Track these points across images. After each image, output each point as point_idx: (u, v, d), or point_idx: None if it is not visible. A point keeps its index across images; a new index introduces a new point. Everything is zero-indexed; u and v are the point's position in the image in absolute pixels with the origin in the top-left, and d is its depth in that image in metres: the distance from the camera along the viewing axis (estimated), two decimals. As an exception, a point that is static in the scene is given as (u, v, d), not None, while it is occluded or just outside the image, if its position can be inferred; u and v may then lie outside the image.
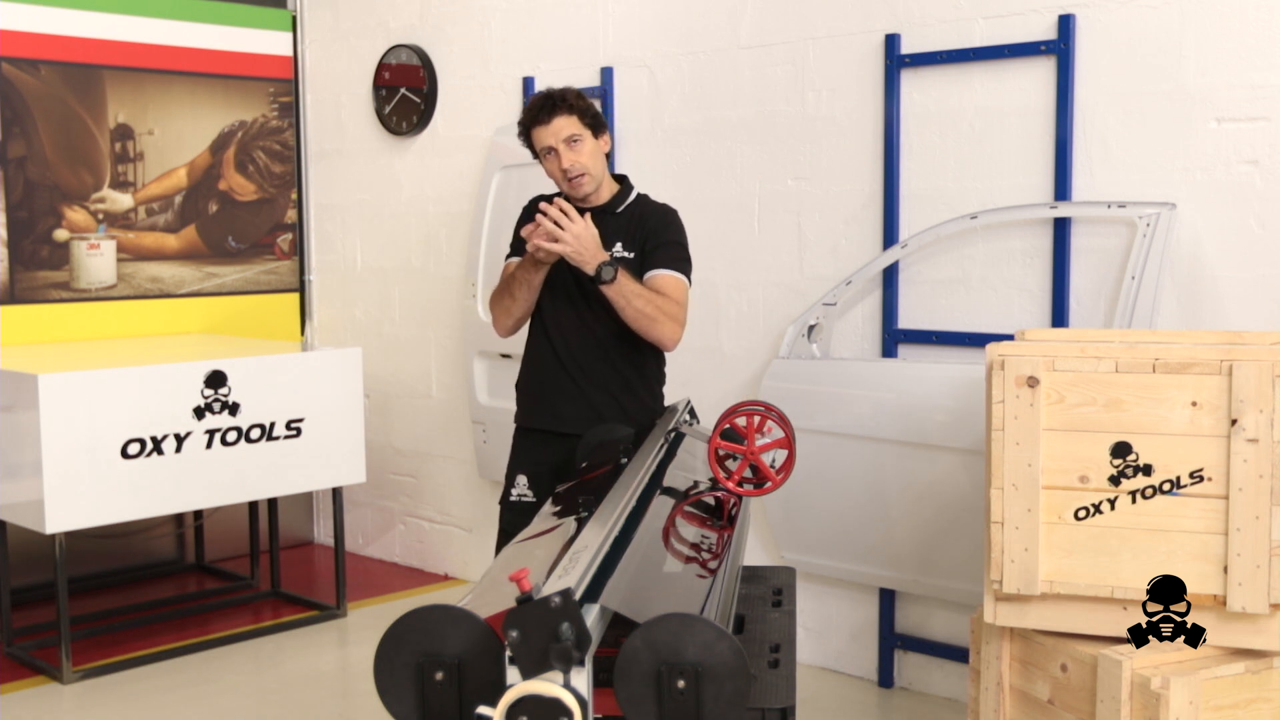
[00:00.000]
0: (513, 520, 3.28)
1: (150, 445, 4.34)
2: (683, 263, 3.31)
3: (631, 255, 3.28)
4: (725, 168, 4.48)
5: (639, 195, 3.39)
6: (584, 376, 3.30)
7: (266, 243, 5.88)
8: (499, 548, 3.37)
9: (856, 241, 4.16)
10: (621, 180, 3.40)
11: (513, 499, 3.37)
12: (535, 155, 3.31)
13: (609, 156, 3.38)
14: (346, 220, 5.96)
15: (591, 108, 3.27)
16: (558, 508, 2.66)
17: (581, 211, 3.27)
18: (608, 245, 3.25)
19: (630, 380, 3.33)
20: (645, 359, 3.37)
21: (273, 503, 5.32)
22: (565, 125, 3.19)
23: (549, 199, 3.28)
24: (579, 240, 3.07)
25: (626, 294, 3.14)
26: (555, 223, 3.06)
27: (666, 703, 1.74)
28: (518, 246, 3.38)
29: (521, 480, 3.35)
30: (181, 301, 5.58)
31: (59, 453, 4.15)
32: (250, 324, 5.77)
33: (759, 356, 4.41)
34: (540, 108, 3.22)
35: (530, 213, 3.39)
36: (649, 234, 3.29)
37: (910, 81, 4.00)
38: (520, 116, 3.31)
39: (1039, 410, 2.77)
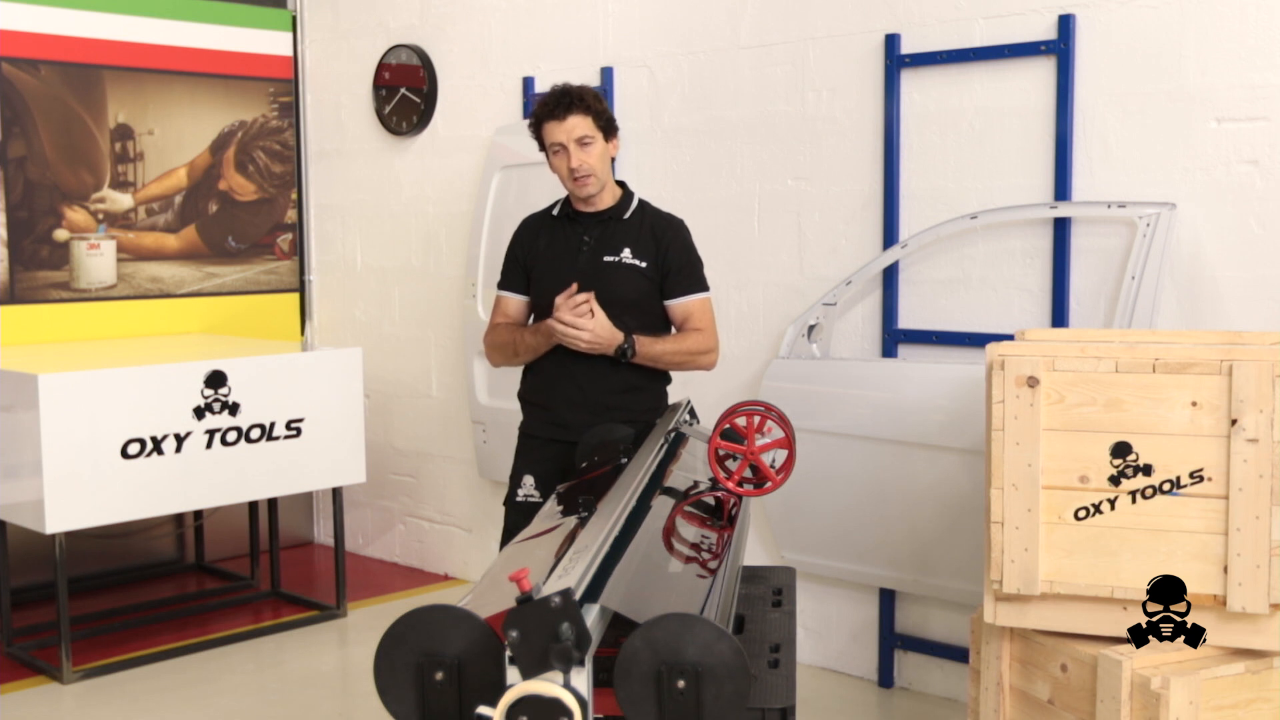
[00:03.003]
0: (518, 521, 3.27)
1: (150, 445, 4.34)
2: (703, 280, 3.40)
3: (644, 264, 3.29)
4: (725, 168, 4.48)
5: (642, 202, 3.41)
6: (590, 383, 3.30)
7: (266, 243, 5.87)
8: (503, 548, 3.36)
9: (856, 241, 4.16)
10: (622, 185, 3.41)
11: (519, 500, 3.36)
12: (542, 148, 3.30)
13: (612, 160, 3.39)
14: (346, 220, 5.96)
15: (606, 110, 3.27)
16: (558, 507, 2.66)
17: (589, 216, 3.31)
18: (616, 250, 3.28)
19: (634, 383, 3.33)
20: None
21: (273, 503, 5.32)
22: (579, 125, 3.19)
23: (549, 216, 3.37)
24: (596, 335, 3.17)
25: (653, 358, 3.28)
26: (573, 325, 3.14)
27: (666, 703, 1.74)
28: (510, 280, 3.41)
29: (529, 481, 3.35)
30: (181, 301, 5.58)
31: (59, 453, 4.15)
32: (250, 324, 5.76)
33: (759, 356, 4.41)
34: (557, 103, 3.20)
35: (521, 238, 3.40)
36: (664, 251, 3.32)
37: (910, 81, 4.00)
38: (534, 108, 3.29)
39: (1039, 410, 2.77)
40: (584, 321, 3.15)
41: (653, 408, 3.38)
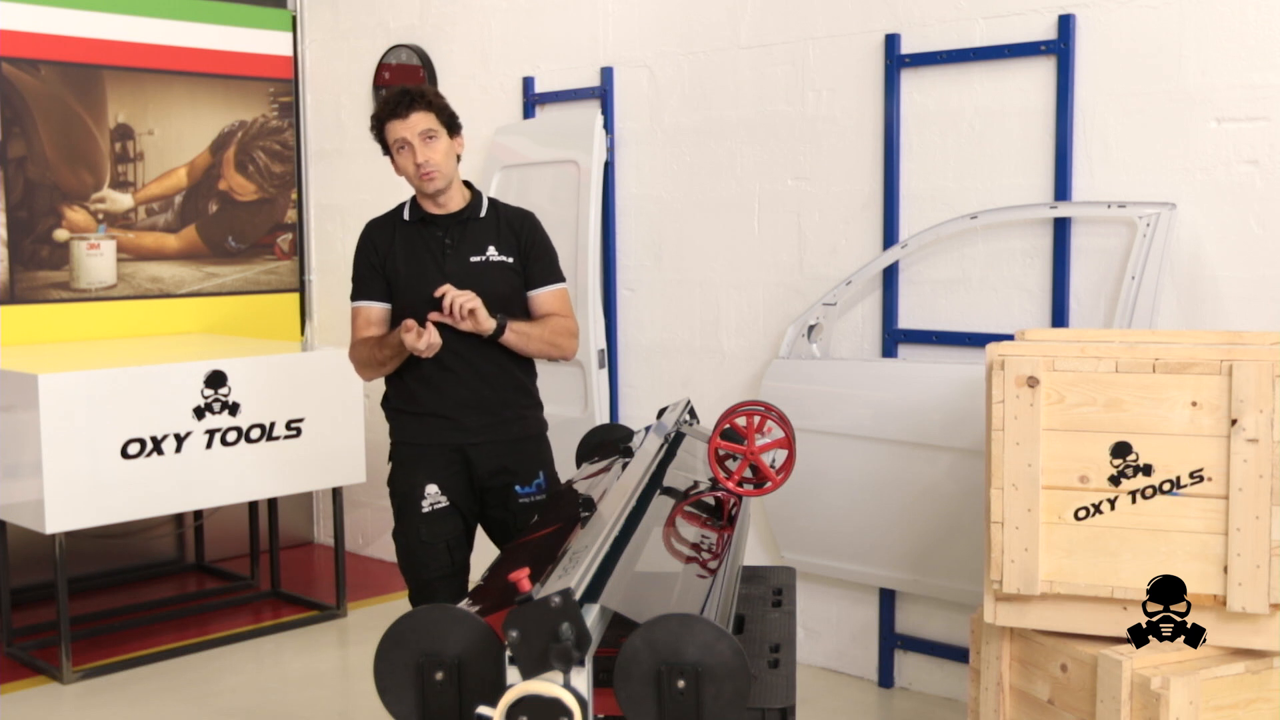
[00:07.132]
0: (433, 529, 3.26)
1: (150, 445, 4.34)
2: (560, 271, 3.42)
3: (510, 260, 3.30)
4: (725, 168, 4.47)
5: (492, 200, 3.41)
6: (484, 385, 3.28)
7: (266, 243, 5.87)
8: (416, 565, 3.30)
9: (856, 241, 4.16)
10: (470, 185, 3.39)
11: (426, 510, 3.27)
12: (386, 151, 3.28)
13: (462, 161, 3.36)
14: (346, 220, 5.96)
15: (448, 107, 3.28)
16: (559, 507, 2.66)
17: (446, 218, 3.29)
18: (480, 250, 3.28)
19: (524, 382, 3.36)
20: (529, 359, 3.39)
21: (273, 503, 5.32)
22: (422, 120, 3.19)
23: (399, 220, 3.30)
24: (476, 317, 3.15)
25: (523, 335, 3.25)
26: (453, 309, 3.12)
27: (666, 703, 1.74)
28: (368, 289, 3.32)
29: (432, 490, 3.28)
30: (181, 301, 5.58)
31: (59, 453, 4.15)
32: (250, 324, 5.76)
33: (759, 356, 4.41)
34: (398, 102, 3.20)
35: (375, 244, 3.32)
36: (524, 244, 3.34)
37: (910, 81, 4.00)
38: (375, 109, 3.28)
39: (1039, 410, 2.77)
40: (467, 304, 3.12)
41: (538, 404, 3.40)
